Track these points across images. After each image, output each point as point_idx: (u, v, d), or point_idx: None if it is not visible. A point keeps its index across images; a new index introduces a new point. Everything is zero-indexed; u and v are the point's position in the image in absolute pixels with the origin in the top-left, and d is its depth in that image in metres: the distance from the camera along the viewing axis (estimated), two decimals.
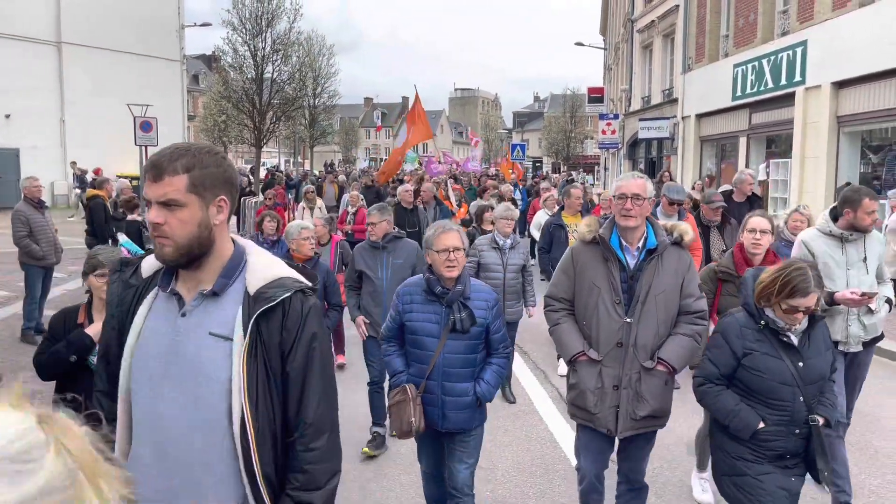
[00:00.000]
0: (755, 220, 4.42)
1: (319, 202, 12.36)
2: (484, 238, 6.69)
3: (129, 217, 9.59)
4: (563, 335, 3.67)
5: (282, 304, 1.84)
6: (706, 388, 3.29)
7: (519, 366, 7.42)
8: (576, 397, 3.66)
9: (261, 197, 17.76)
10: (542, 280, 8.94)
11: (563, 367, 4.12)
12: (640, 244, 3.55)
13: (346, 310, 5.90)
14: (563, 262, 3.80)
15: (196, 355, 1.81)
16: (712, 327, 4.26)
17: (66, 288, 11.27)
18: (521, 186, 20.16)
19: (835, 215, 4.51)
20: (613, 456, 3.83)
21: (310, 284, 1.93)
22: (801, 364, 3.11)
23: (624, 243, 3.55)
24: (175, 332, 1.83)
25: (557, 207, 9.06)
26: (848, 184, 12.47)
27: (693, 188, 12.48)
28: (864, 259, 4.41)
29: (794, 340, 3.15)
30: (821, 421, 3.11)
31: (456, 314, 3.64)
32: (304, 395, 1.88)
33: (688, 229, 3.62)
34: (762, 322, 3.17)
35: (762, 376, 3.12)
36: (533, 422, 6.04)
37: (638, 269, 3.51)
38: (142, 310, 1.90)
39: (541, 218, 10.28)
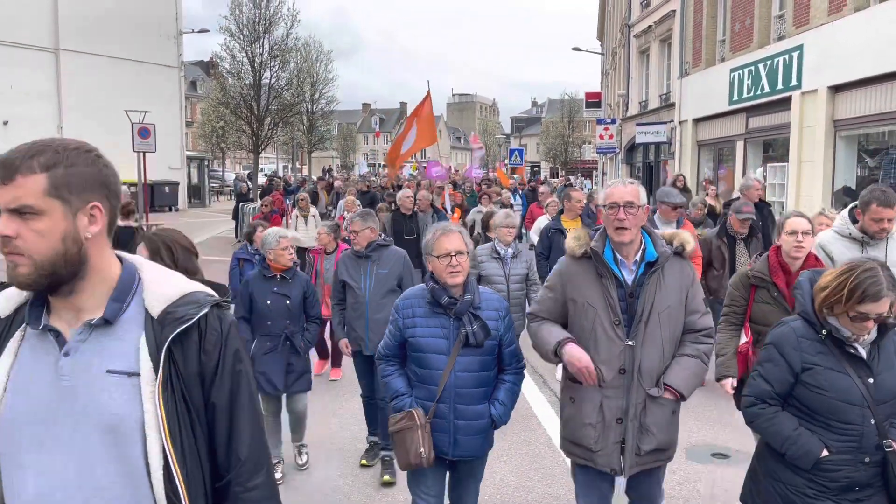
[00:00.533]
0: (795, 221, 3.95)
1: (313, 210, 11.98)
2: (484, 247, 6.35)
3: (123, 223, 9.58)
4: (542, 331, 3.32)
5: (197, 325, 1.54)
6: (758, 408, 2.84)
7: None
8: (572, 433, 3.29)
9: (259, 203, 17.71)
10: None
11: (559, 371, 4.16)
12: (637, 257, 3.19)
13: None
14: (549, 280, 3.42)
15: (92, 401, 1.45)
16: (744, 339, 4.06)
17: None
18: (519, 191, 20.10)
19: (854, 216, 4.27)
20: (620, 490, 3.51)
21: (220, 297, 1.62)
22: (871, 380, 2.66)
23: (619, 257, 3.19)
24: (57, 378, 1.46)
25: (557, 211, 8.84)
26: (847, 188, 12.53)
27: (707, 194, 12.05)
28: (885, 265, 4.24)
29: (863, 353, 2.70)
30: None
31: (467, 326, 3.28)
32: (235, 429, 1.58)
33: (689, 238, 3.30)
34: (824, 331, 2.72)
35: (825, 395, 2.67)
36: (531, 426, 6.04)
37: (637, 284, 3.14)
38: (3, 360, 1.50)
39: (541, 223, 9.98)
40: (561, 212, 7.81)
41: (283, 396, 5.23)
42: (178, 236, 2.95)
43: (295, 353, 5.07)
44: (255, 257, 6.54)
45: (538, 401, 6.68)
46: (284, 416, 5.29)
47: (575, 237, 3.31)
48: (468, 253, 3.40)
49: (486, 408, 3.36)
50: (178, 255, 2.84)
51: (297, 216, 11.59)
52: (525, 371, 3.72)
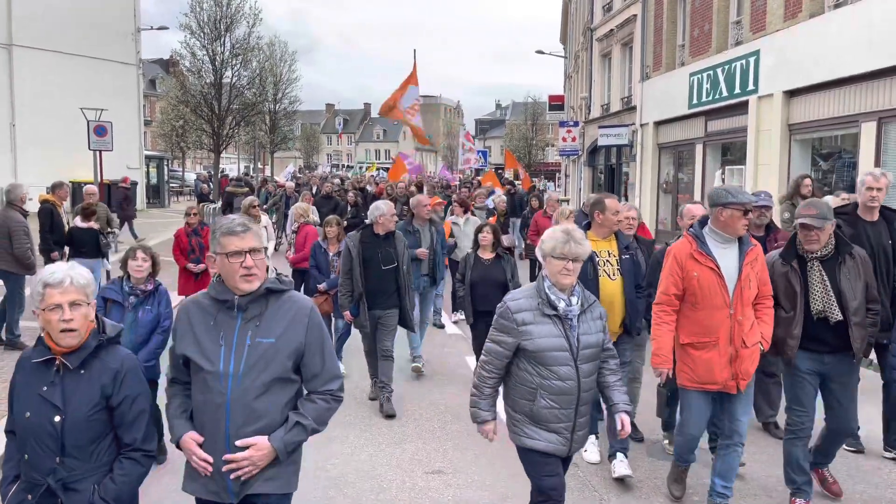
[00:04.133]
0: None
1: (265, 219, 9.86)
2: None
3: (85, 224, 9.35)
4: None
5: None
6: None
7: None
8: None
9: (217, 205, 16.93)
10: None
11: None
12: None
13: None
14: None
15: None
16: None
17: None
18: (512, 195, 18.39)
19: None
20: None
21: None
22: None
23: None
24: None
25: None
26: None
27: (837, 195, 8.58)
28: None
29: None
30: None
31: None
32: None
33: None
34: None
35: None
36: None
37: None
38: None
39: None
40: (587, 227, 5.21)
41: None
42: None
43: None
44: (131, 298, 5.02)
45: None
46: None
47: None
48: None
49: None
50: None
51: None
52: None
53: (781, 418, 5.26)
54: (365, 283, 6.43)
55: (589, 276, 4.84)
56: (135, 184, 29.73)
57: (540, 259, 3.52)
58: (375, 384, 6.71)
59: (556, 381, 3.43)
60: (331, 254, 7.47)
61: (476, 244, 6.98)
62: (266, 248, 4.19)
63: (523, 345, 3.44)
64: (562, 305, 3.44)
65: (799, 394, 4.51)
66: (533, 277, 12.11)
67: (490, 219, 11.35)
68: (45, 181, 10.50)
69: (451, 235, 10.00)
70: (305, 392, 2.93)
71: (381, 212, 6.56)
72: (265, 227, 9.42)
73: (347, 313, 6.63)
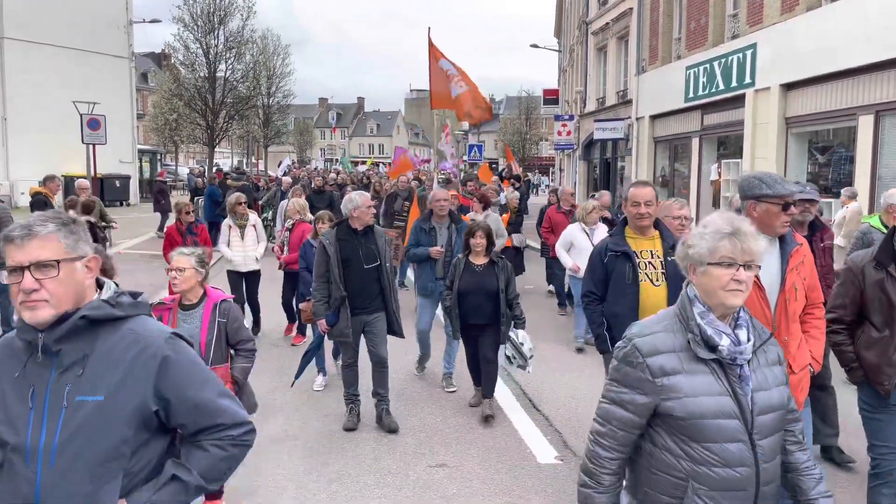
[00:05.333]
0: None
1: (253, 218, 8.68)
2: None
3: (81, 219, 9.24)
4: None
5: None
6: None
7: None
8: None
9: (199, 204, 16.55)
10: (579, 351, 8.21)
11: None
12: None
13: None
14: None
15: None
16: None
17: None
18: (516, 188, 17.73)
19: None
20: None
21: None
22: None
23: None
24: None
25: (597, 219, 8.24)
26: (798, 184, 12.82)
27: None
28: None
29: None
30: None
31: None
32: None
33: None
34: None
35: None
36: (498, 418, 6.02)
37: None
38: None
39: (574, 235, 8.31)
40: (623, 223, 4.47)
41: None
42: None
43: None
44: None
45: (502, 393, 6.65)
46: None
47: None
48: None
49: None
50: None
51: (230, 227, 8.45)
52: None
53: (845, 440, 4.97)
54: (346, 285, 5.59)
55: (627, 280, 4.18)
56: (128, 178, 29.66)
57: (683, 271, 2.28)
58: (350, 398, 5.89)
59: (721, 469, 2.10)
60: None
61: (467, 247, 6.13)
62: (205, 259, 4.25)
63: (665, 408, 2.13)
64: (726, 344, 2.13)
65: (886, 430, 3.60)
66: (549, 279, 11.42)
67: (503, 216, 10.82)
68: (37, 175, 10.41)
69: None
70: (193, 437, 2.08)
71: (356, 204, 5.67)
72: (254, 225, 8.52)
73: (322, 322, 5.77)
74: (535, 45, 38.03)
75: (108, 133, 19.28)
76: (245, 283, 8.51)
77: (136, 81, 33.15)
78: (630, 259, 4.23)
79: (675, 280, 4.07)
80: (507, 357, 6.00)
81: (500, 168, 39.38)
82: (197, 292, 4.21)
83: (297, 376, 6.08)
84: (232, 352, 4.27)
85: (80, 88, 23.67)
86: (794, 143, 13.18)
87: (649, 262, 4.27)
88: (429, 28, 11.23)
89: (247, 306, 8.45)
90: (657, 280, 4.23)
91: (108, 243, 9.44)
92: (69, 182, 18.65)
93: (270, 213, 15.93)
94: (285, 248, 8.28)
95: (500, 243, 9.03)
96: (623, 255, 4.27)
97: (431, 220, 7.01)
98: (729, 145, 15.92)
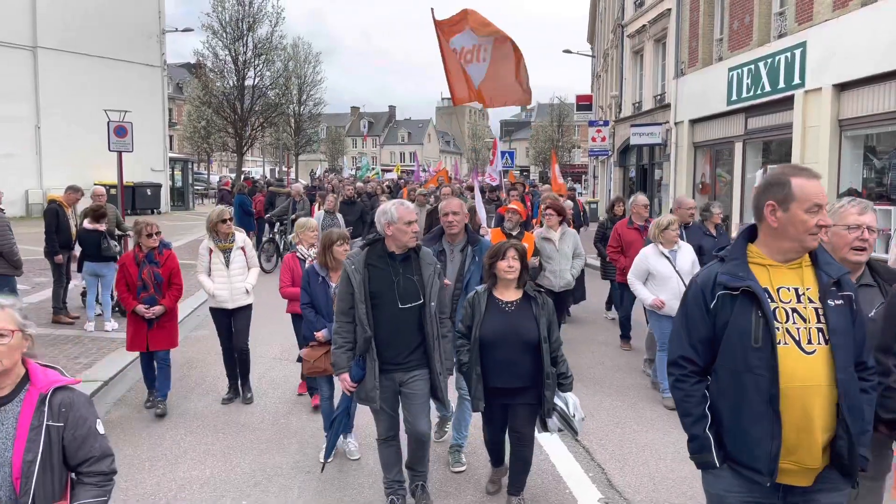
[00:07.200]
0: None
1: (241, 239, 6.64)
2: None
3: (91, 226, 8.90)
4: None
5: None
6: None
7: None
8: None
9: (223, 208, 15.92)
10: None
11: None
12: None
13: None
14: None
15: None
16: None
17: (28, 300, 10.55)
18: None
19: None
20: None
21: None
22: None
23: None
24: None
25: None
26: (853, 190, 12.04)
27: None
28: None
29: None
30: None
31: None
32: None
33: None
34: None
35: None
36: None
37: None
38: None
39: (651, 261, 6.50)
40: (747, 236, 3.18)
41: None
42: None
43: None
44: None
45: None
46: None
47: None
48: None
49: None
50: None
51: (211, 251, 6.48)
52: None
53: None
54: (375, 329, 4.13)
55: (753, 342, 2.44)
56: (158, 186, 29.71)
57: None
58: (392, 487, 4.41)
59: None
60: (332, 285, 5.27)
61: (492, 277, 4.38)
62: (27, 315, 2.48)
63: None
64: None
65: None
66: (612, 304, 9.84)
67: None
68: (69, 183, 10.13)
69: (536, 254, 7.30)
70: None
71: (390, 217, 4.13)
72: (242, 248, 6.57)
73: (346, 378, 4.22)
74: (567, 51, 37.42)
75: (139, 142, 19.13)
76: (233, 324, 6.58)
77: (170, 91, 33.29)
78: (759, 303, 2.46)
79: (843, 340, 2.46)
80: (550, 430, 4.40)
81: (528, 176, 38.81)
82: (13, 375, 2.47)
83: (326, 456, 4.66)
84: (73, 477, 2.56)
85: (113, 97, 23.65)
86: (848, 147, 12.38)
87: (794, 310, 2.48)
88: (431, 9, 8.47)
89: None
90: (809, 341, 2.45)
91: (119, 251, 9.05)
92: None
93: (277, 227, 15.00)
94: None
95: (578, 265, 7.76)
96: (746, 294, 2.50)
97: (442, 239, 5.30)
98: (775, 150, 15.14)
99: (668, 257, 6.44)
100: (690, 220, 7.99)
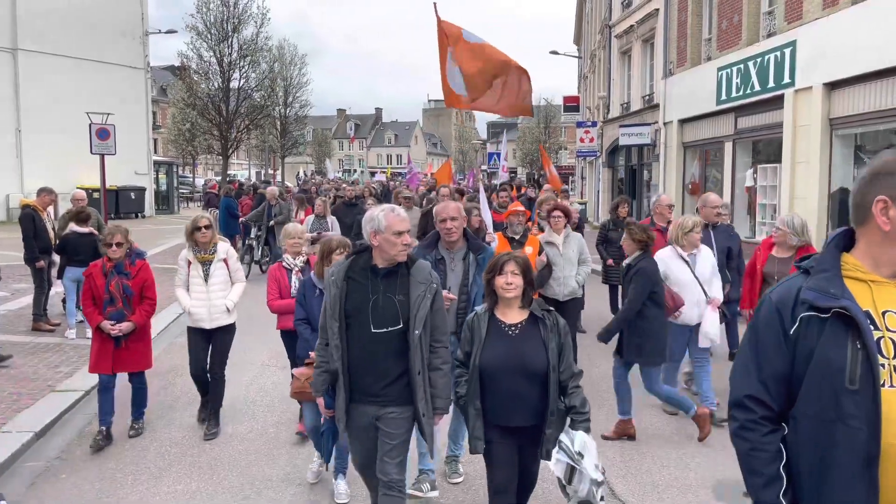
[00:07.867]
0: None
1: (223, 248, 5.91)
2: None
3: (83, 230, 8.65)
4: None
5: None
6: None
7: None
8: None
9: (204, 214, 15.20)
10: (719, 422, 5.65)
11: None
12: None
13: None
14: None
15: None
16: None
17: (7, 308, 10.28)
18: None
19: None
20: None
21: None
22: None
23: None
24: None
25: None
26: (844, 189, 11.99)
27: None
28: None
29: None
30: None
31: None
32: None
33: None
34: None
35: None
36: None
37: None
38: None
39: (668, 263, 5.91)
40: (840, 244, 2.25)
41: None
42: None
43: None
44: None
45: None
46: None
47: None
48: None
49: None
50: None
51: (189, 262, 5.83)
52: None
53: None
54: (347, 352, 3.54)
55: (850, 383, 1.81)
56: (143, 189, 29.32)
57: None
58: None
59: None
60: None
61: (492, 295, 3.65)
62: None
63: None
64: None
65: None
66: (615, 308, 9.12)
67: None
68: (52, 187, 9.85)
69: (540, 251, 6.73)
70: None
71: (377, 225, 3.49)
72: (224, 259, 5.86)
73: (321, 403, 3.84)
74: (554, 52, 37.40)
75: (123, 144, 18.85)
76: (211, 346, 5.89)
77: (154, 94, 32.91)
78: (857, 330, 1.83)
79: None
80: (561, 485, 3.49)
81: (516, 177, 38.85)
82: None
83: (326, 460, 4.66)
84: None
85: (96, 100, 23.25)
86: (838, 146, 12.34)
87: None
88: (434, 3, 7.58)
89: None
90: None
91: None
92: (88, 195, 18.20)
93: (254, 232, 13.82)
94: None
95: (584, 272, 7.12)
96: (839, 318, 1.86)
97: (439, 246, 4.73)
98: (765, 149, 15.10)
99: (686, 261, 5.90)
100: (718, 219, 7.15)
